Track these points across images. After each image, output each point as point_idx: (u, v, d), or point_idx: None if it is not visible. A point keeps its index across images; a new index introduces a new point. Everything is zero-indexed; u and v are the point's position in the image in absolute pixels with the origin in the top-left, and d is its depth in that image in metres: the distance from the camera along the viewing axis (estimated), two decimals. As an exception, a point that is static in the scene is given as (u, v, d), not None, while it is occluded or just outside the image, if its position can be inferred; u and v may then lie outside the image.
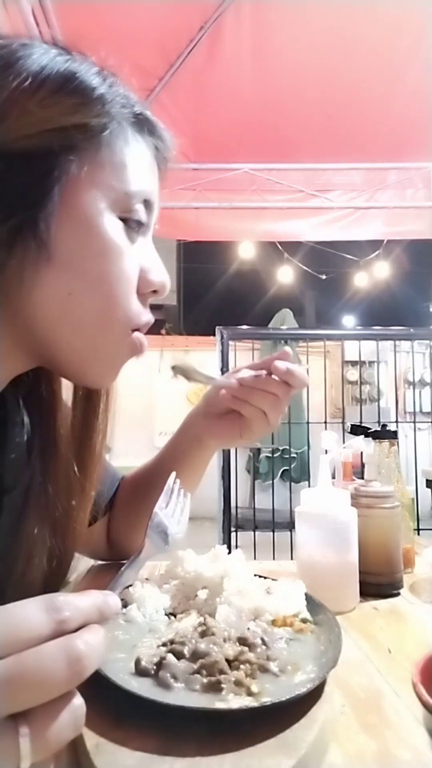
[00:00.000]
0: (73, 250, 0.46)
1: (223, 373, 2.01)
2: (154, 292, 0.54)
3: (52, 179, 0.44)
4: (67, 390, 0.59)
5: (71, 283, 0.46)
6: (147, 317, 0.53)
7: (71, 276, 0.46)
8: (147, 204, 0.51)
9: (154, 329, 0.55)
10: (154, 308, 0.56)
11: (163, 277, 0.54)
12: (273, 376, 0.67)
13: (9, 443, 0.54)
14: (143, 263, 0.52)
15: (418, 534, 1.63)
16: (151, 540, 0.46)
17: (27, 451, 0.55)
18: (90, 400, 0.59)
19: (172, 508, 0.51)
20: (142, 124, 0.51)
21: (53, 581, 0.58)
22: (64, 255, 0.46)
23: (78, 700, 0.30)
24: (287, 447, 4.52)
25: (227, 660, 0.47)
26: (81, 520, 0.60)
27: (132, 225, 0.50)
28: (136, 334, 0.52)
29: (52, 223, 0.44)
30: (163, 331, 6.27)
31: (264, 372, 0.67)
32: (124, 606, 0.55)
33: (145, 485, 0.79)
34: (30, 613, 0.29)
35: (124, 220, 0.49)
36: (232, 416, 0.71)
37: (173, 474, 0.55)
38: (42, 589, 0.55)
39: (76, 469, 0.58)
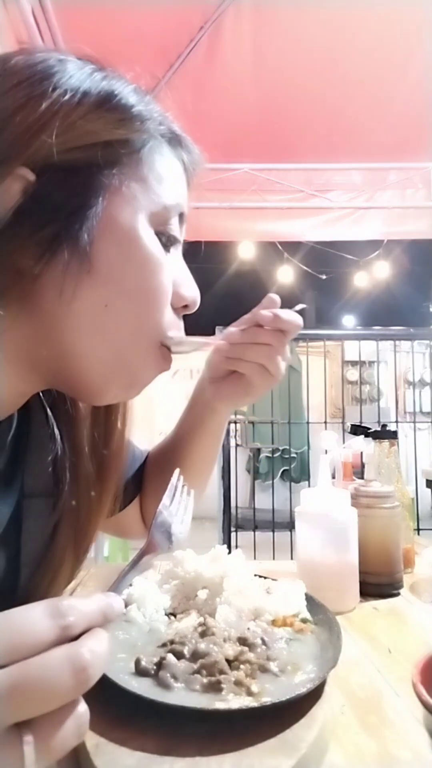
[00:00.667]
0: (113, 262, 0.47)
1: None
2: (185, 306, 0.54)
3: (95, 192, 0.45)
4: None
5: (109, 294, 0.47)
6: (178, 330, 0.53)
7: (110, 288, 0.47)
8: (181, 217, 0.52)
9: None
10: None
11: (194, 292, 0.54)
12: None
13: (33, 453, 0.55)
14: (175, 277, 0.52)
15: (418, 534, 1.63)
16: (154, 539, 0.46)
17: (56, 464, 0.56)
18: (109, 413, 0.60)
19: (176, 507, 0.51)
20: (176, 140, 0.52)
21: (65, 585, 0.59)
22: (104, 267, 0.46)
23: (82, 707, 0.29)
24: (287, 447, 4.52)
25: (227, 660, 0.47)
26: (95, 525, 0.60)
27: (166, 239, 0.50)
28: (163, 348, 0.52)
29: (94, 235, 0.45)
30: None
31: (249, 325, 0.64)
32: (125, 606, 0.55)
33: (165, 462, 0.79)
34: (34, 618, 0.29)
35: (158, 233, 0.50)
36: (236, 375, 0.68)
37: (177, 471, 0.55)
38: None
39: (95, 480, 0.59)
